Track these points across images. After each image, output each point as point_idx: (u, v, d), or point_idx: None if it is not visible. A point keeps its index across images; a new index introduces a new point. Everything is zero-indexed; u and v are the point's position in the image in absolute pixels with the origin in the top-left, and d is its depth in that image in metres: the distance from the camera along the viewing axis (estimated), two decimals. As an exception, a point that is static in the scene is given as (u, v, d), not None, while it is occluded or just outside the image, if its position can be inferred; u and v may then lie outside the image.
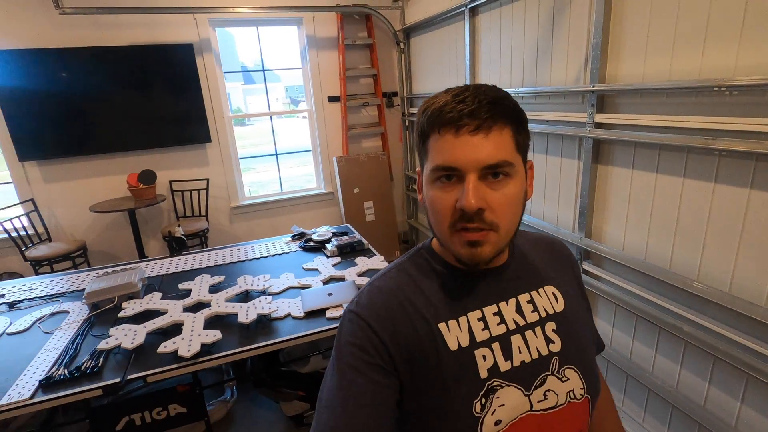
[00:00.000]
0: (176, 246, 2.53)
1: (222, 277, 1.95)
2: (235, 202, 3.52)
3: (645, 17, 1.43)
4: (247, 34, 3.45)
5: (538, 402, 0.59)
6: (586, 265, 1.82)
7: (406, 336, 0.58)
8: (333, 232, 2.47)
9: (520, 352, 0.61)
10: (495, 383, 0.58)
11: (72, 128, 2.96)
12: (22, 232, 2.86)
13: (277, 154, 3.77)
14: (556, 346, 0.63)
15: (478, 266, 0.59)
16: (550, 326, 0.64)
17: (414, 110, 3.44)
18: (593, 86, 1.61)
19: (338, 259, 2.13)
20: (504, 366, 0.59)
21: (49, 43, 2.80)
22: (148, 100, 3.08)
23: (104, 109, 3.00)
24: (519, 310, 0.64)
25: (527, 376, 0.60)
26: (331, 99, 3.57)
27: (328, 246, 2.24)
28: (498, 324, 0.62)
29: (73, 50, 2.84)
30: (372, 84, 3.65)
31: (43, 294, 1.95)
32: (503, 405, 0.57)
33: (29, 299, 1.91)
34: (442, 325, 0.59)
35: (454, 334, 0.59)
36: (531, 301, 0.65)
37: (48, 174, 3.02)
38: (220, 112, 3.30)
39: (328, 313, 1.60)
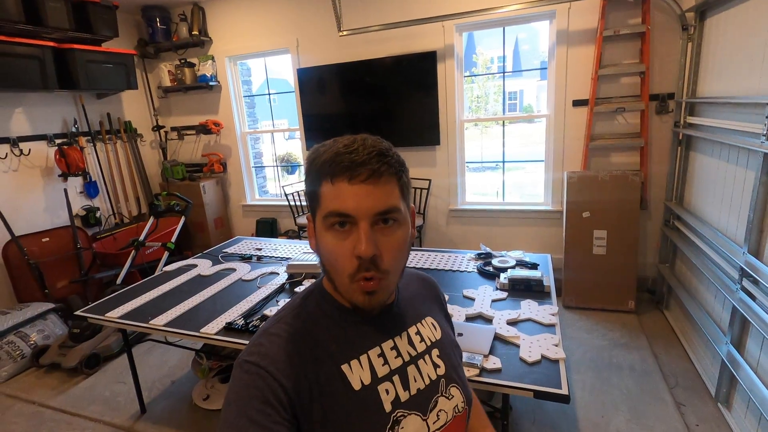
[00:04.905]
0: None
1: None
2: (453, 205, 3.56)
3: None
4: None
5: (433, 423, 0.65)
6: None
7: (310, 382, 0.58)
8: (520, 261, 2.14)
9: (415, 381, 0.66)
10: (399, 414, 0.62)
11: (339, 125, 3.69)
12: (300, 203, 3.83)
13: (504, 162, 3.54)
14: (441, 370, 0.70)
15: (373, 311, 0.64)
16: (435, 352, 0.71)
17: (694, 119, 2.49)
18: None
19: (504, 294, 1.83)
20: (404, 396, 0.64)
21: (333, 59, 3.55)
22: (393, 103, 3.47)
23: (360, 110, 3.59)
24: (410, 342, 0.69)
25: (423, 402, 0.66)
26: (577, 103, 3.02)
27: (501, 276, 1.95)
28: (395, 357, 0.66)
29: (347, 64, 3.50)
30: (638, 84, 2.85)
31: (280, 255, 2.55)
32: None
33: (270, 256, 2.55)
34: (345, 367, 0.62)
35: (357, 373, 0.62)
36: (418, 333, 0.71)
37: (322, 161, 3.89)
38: (453, 116, 3.36)
39: (444, 357, 1.41)
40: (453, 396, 0.69)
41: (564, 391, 1.22)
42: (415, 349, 0.69)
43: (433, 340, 0.73)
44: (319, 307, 0.67)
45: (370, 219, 0.58)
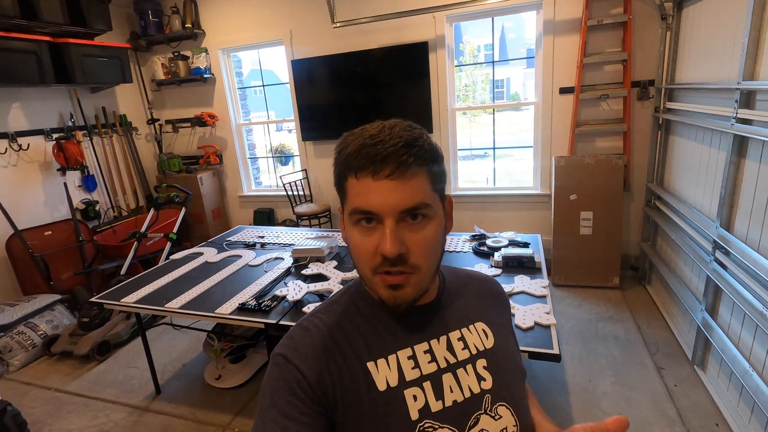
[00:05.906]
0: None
1: (386, 261, 2.14)
2: (447, 191, 3.66)
3: None
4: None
5: None
6: None
7: (333, 377, 0.58)
8: (512, 241, 2.28)
9: (452, 391, 0.60)
10: (427, 425, 0.57)
11: (334, 117, 3.77)
12: (297, 192, 3.92)
13: (495, 148, 3.67)
14: (487, 384, 0.62)
15: (400, 308, 0.59)
16: (481, 363, 0.63)
17: (672, 105, 2.64)
18: None
19: (499, 271, 1.97)
20: (435, 406, 0.58)
21: (327, 51, 3.62)
22: (386, 93, 3.57)
23: (355, 100, 3.68)
24: (450, 347, 0.63)
25: (460, 417, 0.59)
26: (564, 90, 3.15)
27: (495, 254, 2.09)
28: (429, 362, 0.61)
29: (341, 55, 3.57)
30: (620, 72, 2.99)
31: (282, 241, 2.65)
32: None
33: (273, 243, 2.65)
34: (370, 364, 0.59)
35: (383, 373, 0.59)
36: (462, 339, 0.65)
37: (317, 151, 3.98)
38: (444, 105, 3.47)
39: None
40: (500, 416, 0.60)
41: (555, 351, 1.36)
42: (454, 356, 0.63)
43: (481, 348, 0.65)
44: (353, 303, 0.66)
45: (396, 216, 0.55)
